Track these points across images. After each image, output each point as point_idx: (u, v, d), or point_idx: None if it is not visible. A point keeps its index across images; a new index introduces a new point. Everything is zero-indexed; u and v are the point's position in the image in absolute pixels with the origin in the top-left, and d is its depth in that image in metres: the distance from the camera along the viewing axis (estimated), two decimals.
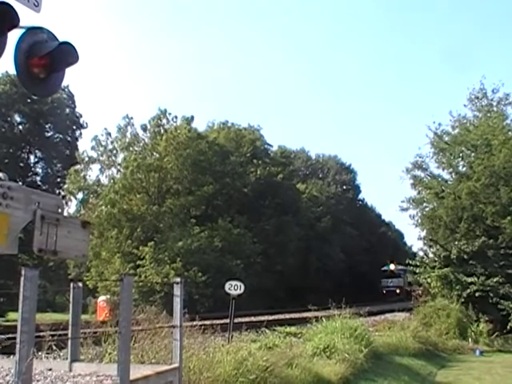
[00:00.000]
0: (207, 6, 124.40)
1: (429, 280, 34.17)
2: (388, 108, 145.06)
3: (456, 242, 32.44)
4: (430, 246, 36.20)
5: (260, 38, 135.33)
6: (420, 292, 36.00)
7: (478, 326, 30.26)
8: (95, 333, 10.15)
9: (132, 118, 52.56)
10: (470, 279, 31.55)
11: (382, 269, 72.30)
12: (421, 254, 37.88)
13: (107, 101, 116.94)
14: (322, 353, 16.55)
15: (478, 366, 22.58)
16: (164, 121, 51.91)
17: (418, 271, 34.99)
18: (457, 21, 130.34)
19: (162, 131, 50.98)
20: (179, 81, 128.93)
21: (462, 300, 31.59)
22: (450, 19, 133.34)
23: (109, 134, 52.13)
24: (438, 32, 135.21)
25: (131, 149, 51.42)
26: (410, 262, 35.58)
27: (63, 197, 51.22)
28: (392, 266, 72.77)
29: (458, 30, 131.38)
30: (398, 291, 71.08)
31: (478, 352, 26.86)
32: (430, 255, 35.91)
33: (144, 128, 52.20)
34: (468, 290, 31.50)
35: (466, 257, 32.13)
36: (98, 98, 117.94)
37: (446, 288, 33.29)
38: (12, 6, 6.05)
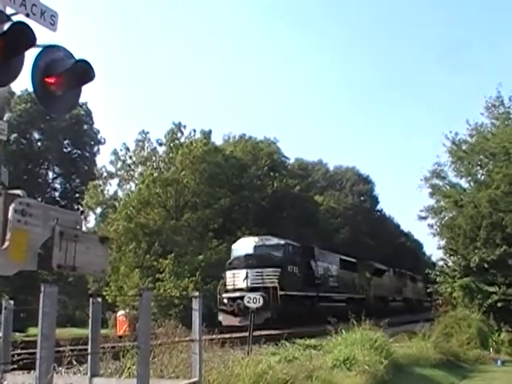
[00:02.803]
0: (218, 18, 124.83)
1: (449, 290, 33.97)
2: (405, 117, 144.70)
3: (476, 251, 32.22)
4: (450, 256, 35.95)
5: (275, 50, 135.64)
6: (440, 302, 35.79)
7: (499, 335, 30.01)
8: (114, 347, 10.17)
9: (148, 132, 52.98)
10: (491, 288, 31.32)
11: (229, 262, 36.45)
12: (440, 263, 37.65)
13: (125, 116, 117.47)
14: (342, 365, 16.48)
15: (500, 376, 22.36)
16: (179, 134, 52.09)
17: (438, 281, 34.82)
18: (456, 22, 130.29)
19: (178, 145, 51.13)
20: (195, 94, 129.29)
21: (483, 309, 31.36)
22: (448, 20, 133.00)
23: (127, 148, 52.55)
24: (450, 43, 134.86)
25: (148, 163, 51.71)
26: (430, 272, 35.46)
27: (82, 212, 51.60)
28: (251, 242, 36.42)
29: (459, 33, 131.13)
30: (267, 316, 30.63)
31: (499, 362, 26.60)
32: (450, 264, 35.69)
33: (160, 143, 52.50)
34: (489, 300, 31.28)
35: (486, 266, 31.89)
36: (115, 113, 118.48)
37: (466, 297, 33.06)
38: (29, 26, 6.15)
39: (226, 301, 33.67)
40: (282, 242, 36.98)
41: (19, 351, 10.20)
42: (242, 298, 27.94)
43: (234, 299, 32.72)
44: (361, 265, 51.82)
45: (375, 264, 57.01)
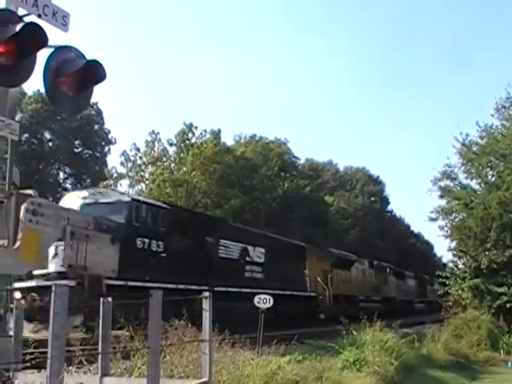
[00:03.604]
0: (230, 18, 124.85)
1: (459, 292, 33.86)
2: (416, 117, 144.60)
3: (486, 253, 32.12)
4: (460, 257, 35.84)
5: (286, 51, 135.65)
6: (450, 303, 35.68)
7: (509, 337, 29.94)
8: (126, 347, 10.20)
9: (158, 133, 53.09)
10: (500, 289, 31.24)
11: None
12: (451, 265, 37.53)
13: (135, 116, 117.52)
14: (352, 366, 16.50)
15: (510, 378, 22.26)
16: (190, 135, 52.16)
17: (448, 283, 34.71)
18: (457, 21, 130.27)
19: (189, 145, 51.22)
20: (207, 95, 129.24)
21: (493, 311, 31.30)
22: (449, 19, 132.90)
23: (137, 149, 52.66)
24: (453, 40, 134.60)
25: (159, 164, 51.81)
26: (440, 274, 35.33)
27: None
28: (76, 198, 21.57)
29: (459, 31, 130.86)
30: None
31: (509, 363, 26.52)
32: (460, 266, 35.57)
33: (171, 143, 52.59)
34: (498, 301, 31.19)
35: (496, 267, 31.81)
36: (125, 113, 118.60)
37: (476, 299, 32.96)
38: (41, 27, 6.18)
39: (18, 294, 16.84)
40: (128, 198, 23.01)
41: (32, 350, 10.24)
42: (38, 289, 16.95)
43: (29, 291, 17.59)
44: (313, 251, 38.43)
45: (338, 252, 43.20)
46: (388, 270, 55.24)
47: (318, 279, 36.61)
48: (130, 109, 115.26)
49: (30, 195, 5.92)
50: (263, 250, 30.55)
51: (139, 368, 9.81)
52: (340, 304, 36.88)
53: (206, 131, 52.32)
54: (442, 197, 36.20)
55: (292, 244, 36.33)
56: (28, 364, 8.83)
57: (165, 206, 24.85)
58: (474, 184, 36.29)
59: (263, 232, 34.84)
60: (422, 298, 66.32)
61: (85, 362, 9.87)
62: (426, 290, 67.26)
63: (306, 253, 36.75)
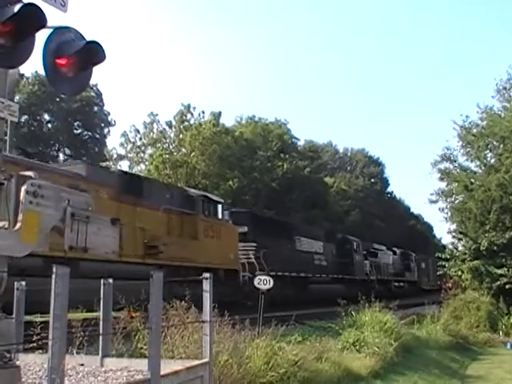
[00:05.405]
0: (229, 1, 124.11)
1: (459, 273, 33.91)
2: (416, 99, 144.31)
3: (486, 234, 32.15)
4: (460, 239, 35.86)
5: (287, 32, 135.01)
6: (450, 285, 35.75)
7: (508, 318, 30.05)
8: (126, 328, 10.22)
9: (157, 114, 53.19)
10: (500, 271, 31.30)
11: None
12: (450, 247, 37.56)
13: (134, 97, 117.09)
14: (352, 346, 16.57)
15: (509, 359, 22.39)
16: (189, 116, 52.14)
17: (447, 264, 34.75)
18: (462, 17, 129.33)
19: (188, 126, 51.20)
20: (207, 76, 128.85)
21: (492, 292, 31.39)
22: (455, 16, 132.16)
23: (137, 130, 52.69)
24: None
25: (158, 145, 51.79)
26: (440, 255, 35.35)
27: None
28: None
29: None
30: None
31: (508, 345, 26.65)
32: (460, 248, 35.61)
33: (169, 124, 52.56)
34: (498, 282, 31.26)
35: (495, 249, 31.85)
36: (124, 95, 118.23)
37: (476, 280, 33.03)
38: (39, 7, 6.12)
39: None
40: None
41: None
42: None
43: None
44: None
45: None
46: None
47: None
48: (130, 89, 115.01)
49: (30, 177, 5.91)
50: None
51: (141, 349, 9.84)
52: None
53: (203, 112, 52.32)
54: (441, 179, 36.21)
55: None
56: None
57: None
58: (473, 166, 36.29)
59: None
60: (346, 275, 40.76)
61: (86, 344, 9.89)
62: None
63: None
